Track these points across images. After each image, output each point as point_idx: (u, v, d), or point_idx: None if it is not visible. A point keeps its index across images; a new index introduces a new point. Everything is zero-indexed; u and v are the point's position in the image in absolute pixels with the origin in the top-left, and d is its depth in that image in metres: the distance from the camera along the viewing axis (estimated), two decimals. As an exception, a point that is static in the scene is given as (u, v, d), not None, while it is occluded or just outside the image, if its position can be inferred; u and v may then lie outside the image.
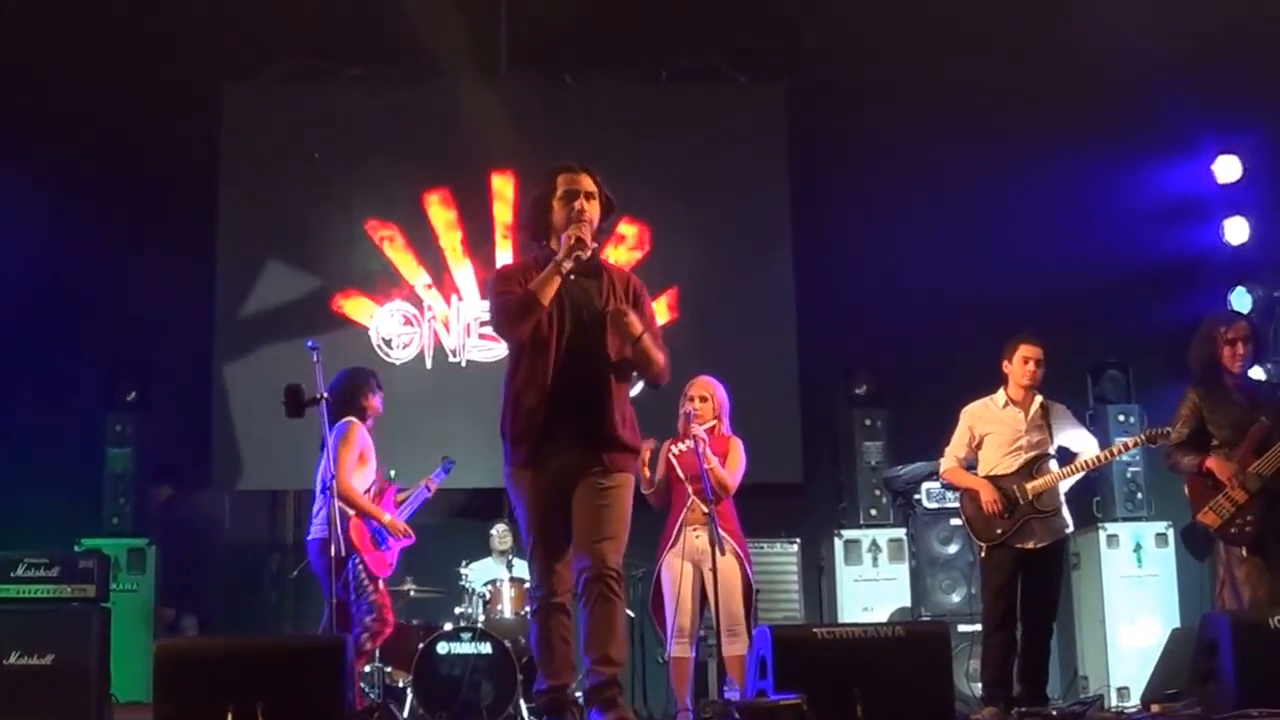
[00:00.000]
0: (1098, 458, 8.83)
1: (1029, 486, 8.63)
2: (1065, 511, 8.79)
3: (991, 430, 8.91)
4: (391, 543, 9.14)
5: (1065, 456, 8.94)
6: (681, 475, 8.93)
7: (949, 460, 9.10)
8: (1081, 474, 8.86)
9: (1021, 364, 8.81)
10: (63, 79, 11.72)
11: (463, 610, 10.43)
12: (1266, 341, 11.31)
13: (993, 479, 8.77)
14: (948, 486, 10.45)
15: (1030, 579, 8.68)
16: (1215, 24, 11.13)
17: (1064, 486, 8.78)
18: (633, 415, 6.70)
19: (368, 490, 9.03)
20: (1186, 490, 8.75)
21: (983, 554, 8.96)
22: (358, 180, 12.82)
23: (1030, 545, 8.62)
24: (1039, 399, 8.84)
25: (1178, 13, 11.27)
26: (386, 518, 9.09)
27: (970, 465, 8.98)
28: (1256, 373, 10.75)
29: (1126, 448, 9.11)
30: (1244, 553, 8.37)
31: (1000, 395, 8.93)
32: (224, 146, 12.68)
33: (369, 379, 9.28)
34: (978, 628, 10.42)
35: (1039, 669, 8.63)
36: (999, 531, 8.69)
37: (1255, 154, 11.97)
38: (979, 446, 8.96)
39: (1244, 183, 12.09)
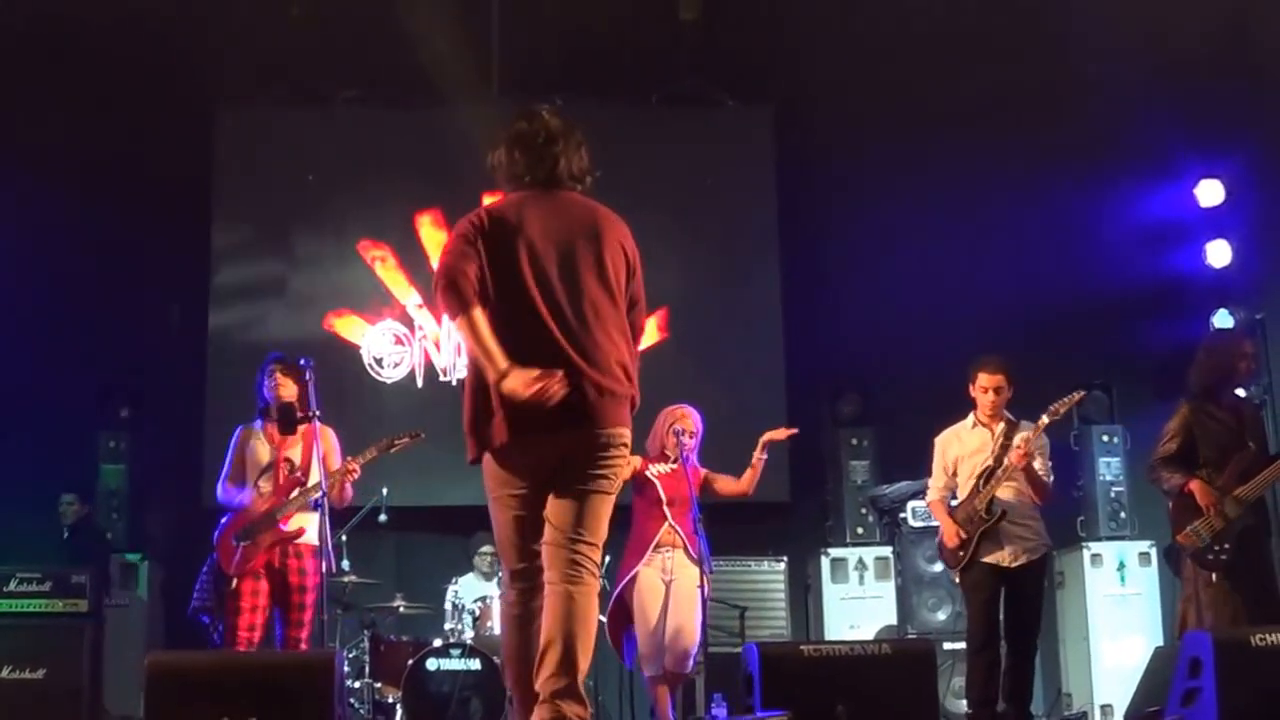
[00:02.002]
0: (1022, 441, 8.51)
1: (975, 502, 8.62)
2: (1040, 528, 8.69)
3: (961, 453, 8.89)
4: (258, 538, 8.53)
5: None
6: (662, 496, 8.92)
7: (932, 493, 9.10)
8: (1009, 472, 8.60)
9: (982, 393, 8.77)
10: (62, 101, 11.74)
11: (452, 626, 10.41)
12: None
13: (960, 505, 8.79)
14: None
15: (1011, 597, 8.65)
16: (1198, 51, 11.16)
17: (1006, 495, 8.62)
18: None
19: (255, 484, 8.70)
20: (1170, 509, 8.74)
21: (956, 578, 8.97)
22: (351, 201, 12.83)
23: (1005, 563, 8.59)
24: (1007, 418, 8.81)
25: (1161, 40, 11.31)
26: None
27: (954, 492, 8.98)
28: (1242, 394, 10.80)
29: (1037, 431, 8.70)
30: (1214, 578, 8.40)
31: (970, 418, 8.92)
32: (218, 168, 12.72)
33: (262, 370, 8.89)
34: (963, 645, 10.40)
35: (1022, 687, 8.57)
36: (961, 554, 8.69)
37: (1237, 178, 11.99)
38: (957, 473, 8.95)
39: (1226, 206, 12.12)
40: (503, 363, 5.44)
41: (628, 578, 8.93)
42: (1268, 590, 8.37)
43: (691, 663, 8.77)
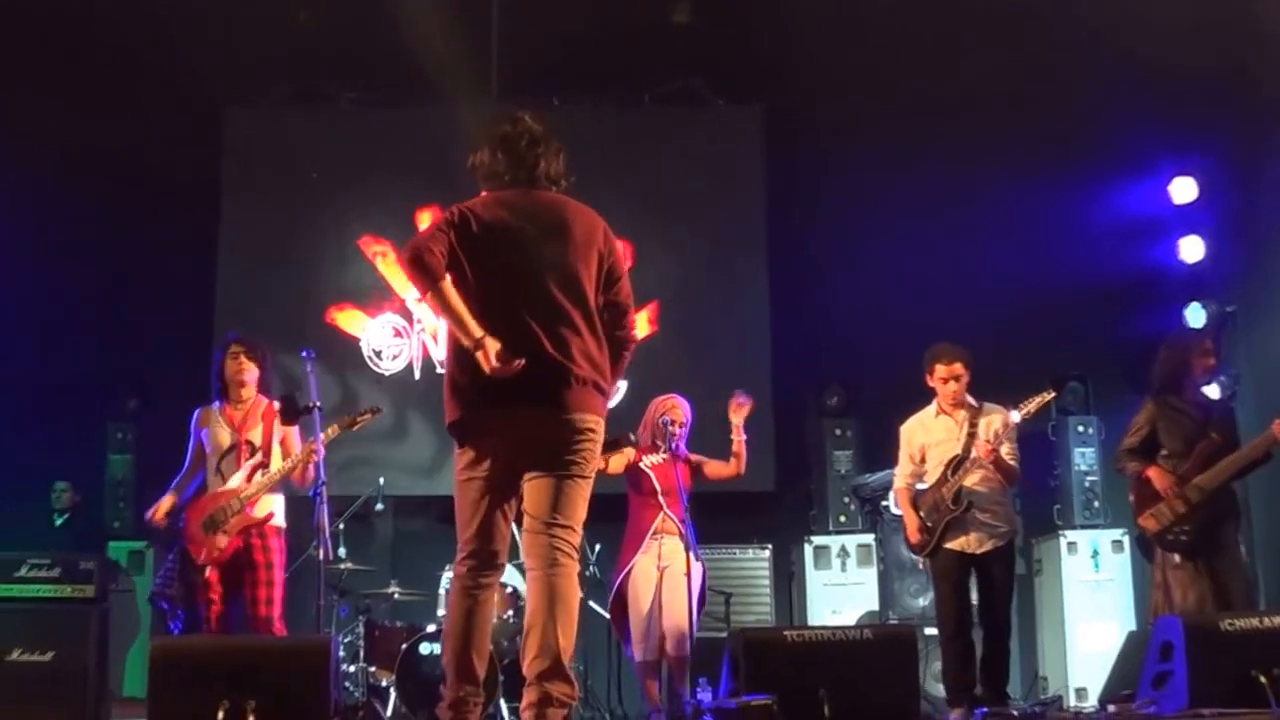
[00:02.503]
0: (986, 443, 8.55)
1: (943, 490, 8.60)
2: (1007, 514, 8.70)
3: (927, 441, 8.89)
4: (228, 525, 8.31)
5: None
6: (657, 487, 8.91)
7: (899, 480, 9.13)
8: (976, 465, 8.60)
9: (941, 383, 8.78)
10: (75, 103, 11.71)
11: (445, 613, 10.38)
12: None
13: (922, 495, 8.79)
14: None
15: (980, 582, 8.68)
16: (1174, 56, 11.13)
17: (973, 483, 8.62)
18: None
19: (218, 467, 8.52)
20: (1131, 495, 8.86)
21: (921, 566, 8.99)
22: (352, 198, 12.82)
23: (971, 549, 8.57)
24: (969, 404, 8.79)
25: (1139, 45, 11.28)
26: (166, 505, 8.62)
27: (921, 478, 8.97)
28: (1212, 390, 10.78)
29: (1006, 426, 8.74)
30: (1177, 559, 8.50)
31: (933, 407, 8.91)
32: (225, 166, 12.76)
33: (223, 350, 8.70)
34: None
35: (996, 670, 8.58)
36: (926, 539, 8.70)
37: (1210, 176, 11.99)
38: (924, 459, 8.94)
39: (1199, 203, 12.11)
40: (477, 331, 5.56)
41: (626, 569, 8.92)
42: (1232, 574, 8.41)
43: (689, 645, 8.74)
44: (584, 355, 5.78)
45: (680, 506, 8.75)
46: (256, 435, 8.57)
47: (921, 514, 8.77)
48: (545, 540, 5.78)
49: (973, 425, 8.67)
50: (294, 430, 8.63)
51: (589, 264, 5.96)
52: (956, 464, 8.60)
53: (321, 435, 8.25)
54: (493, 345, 5.52)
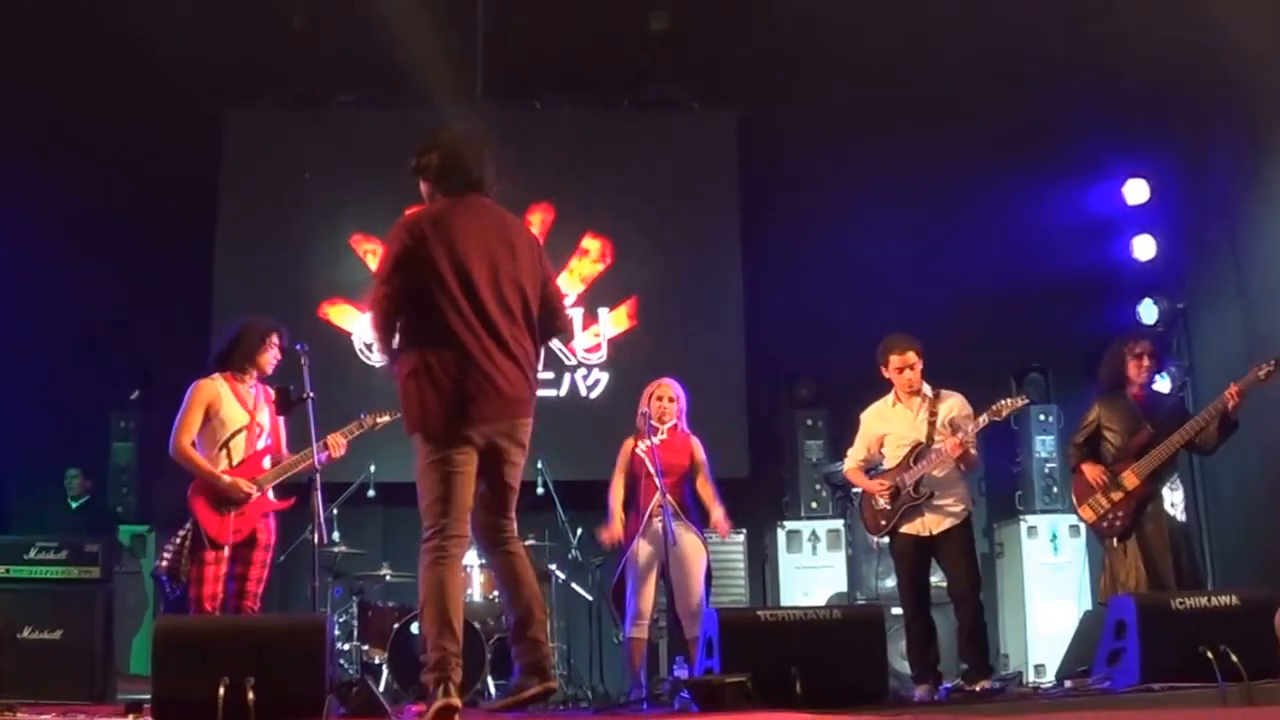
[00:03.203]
0: (957, 442, 8.52)
1: (905, 476, 8.64)
2: (962, 496, 8.65)
3: (886, 430, 8.89)
4: (247, 508, 7.98)
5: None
6: (651, 469, 8.94)
7: (849, 461, 9.11)
8: (941, 459, 8.59)
9: (896, 373, 8.78)
10: (78, 107, 11.70)
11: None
12: (1168, 354, 11.49)
13: (882, 473, 8.82)
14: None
15: (942, 561, 8.66)
16: (1128, 64, 11.21)
17: (945, 472, 8.63)
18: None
19: (225, 444, 8.05)
20: (1072, 489, 9.07)
21: (876, 547, 9.02)
22: (344, 197, 12.87)
23: (926, 532, 8.60)
24: (927, 392, 8.82)
25: (1095, 52, 11.35)
26: (225, 480, 7.92)
27: (876, 465, 8.99)
28: (1162, 385, 10.89)
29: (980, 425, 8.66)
30: (1114, 543, 8.62)
31: (890, 396, 8.93)
32: (222, 167, 12.75)
33: (265, 336, 8.27)
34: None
35: (973, 643, 8.47)
36: (883, 523, 8.73)
37: (1162, 178, 12.05)
38: (883, 446, 8.96)
39: (1151, 204, 12.18)
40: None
41: (629, 550, 8.95)
42: (1161, 554, 8.52)
43: (699, 623, 8.76)
44: (529, 364, 6.28)
45: (684, 487, 8.85)
46: (265, 418, 8.22)
47: (881, 499, 8.80)
48: (510, 528, 6.42)
49: (931, 413, 8.71)
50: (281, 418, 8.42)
51: (534, 269, 6.32)
52: (920, 452, 8.64)
53: (345, 434, 8.35)
54: None
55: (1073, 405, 10.95)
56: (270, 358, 8.29)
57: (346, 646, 10.14)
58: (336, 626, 9.87)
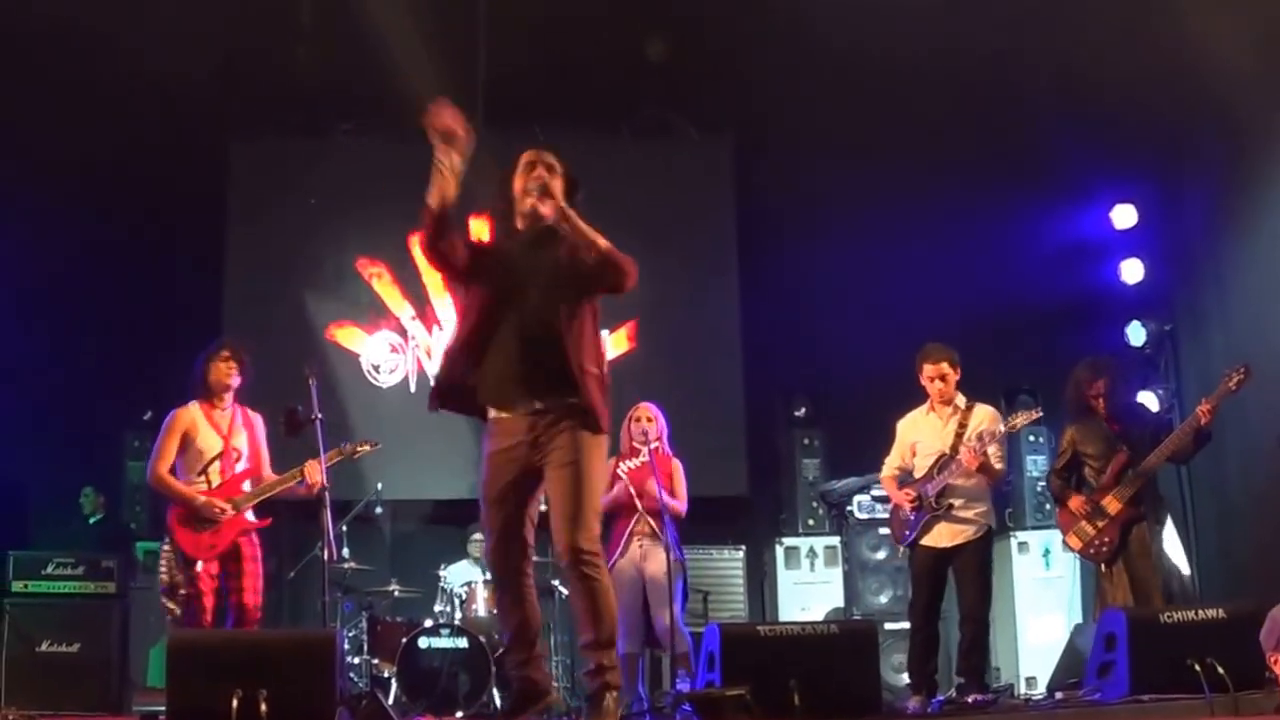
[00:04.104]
0: (971, 451, 8.58)
1: (928, 487, 8.68)
2: (982, 511, 8.68)
3: (918, 438, 8.93)
4: (223, 526, 8.18)
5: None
6: (632, 490, 8.98)
7: (885, 469, 9.15)
8: (961, 470, 8.62)
9: (929, 382, 8.84)
10: (92, 137, 11.75)
11: (441, 609, 10.47)
12: (1149, 375, 11.56)
13: (910, 483, 8.85)
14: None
15: (955, 578, 8.70)
16: (1116, 91, 11.27)
17: (957, 479, 8.63)
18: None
19: (204, 469, 8.29)
20: (1058, 518, 9.23)
21: (901, 553, 9.09)
22: (350, 223, 12.91)
23: (943, 544, 8.64)
24: (961, 403, 8.86)
25: (1083, 80, 11.42)
26: (199, 499, 8.15)
27: (909, 472, 9.01)
28: (1150, 399, 10.95)
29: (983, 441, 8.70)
30: (1103, 568, 8.77)
31: (926, 404, 8.97)
32: (231, 193, 12.79)
33: (208, 356, 8.47)
34: (903, 625, 10.54)
35: (972, 660, 8.54)
36: (906, 533, 8.78)
37: (1149, 203, 12.09)
38: (915, 454, 8.98)
39: (1139, 228, 12.21)
40: None
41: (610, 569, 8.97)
42: (1147, 572, 8.63)
43: (685, 642, 8.78)
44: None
45: (659, 508, 8.83)
46: (242, 442, 8.43)
47: (906, 509, 8.83)
48: None
49: (961, 424, 8.73)
50: (262, 439, 8.55)
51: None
52: (943, 462, 8.67)
53: (325, 459, 8.21)
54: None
55: (1061, 425, 10.99)
56: (223, 371, 8.42)
57: (356, 660, 10.19)
58: (346, 640, 9.91)
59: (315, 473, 8.19)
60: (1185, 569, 8.98)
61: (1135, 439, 8.78)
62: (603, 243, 6.15)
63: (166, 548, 8.26)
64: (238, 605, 8.25)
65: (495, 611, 10.14)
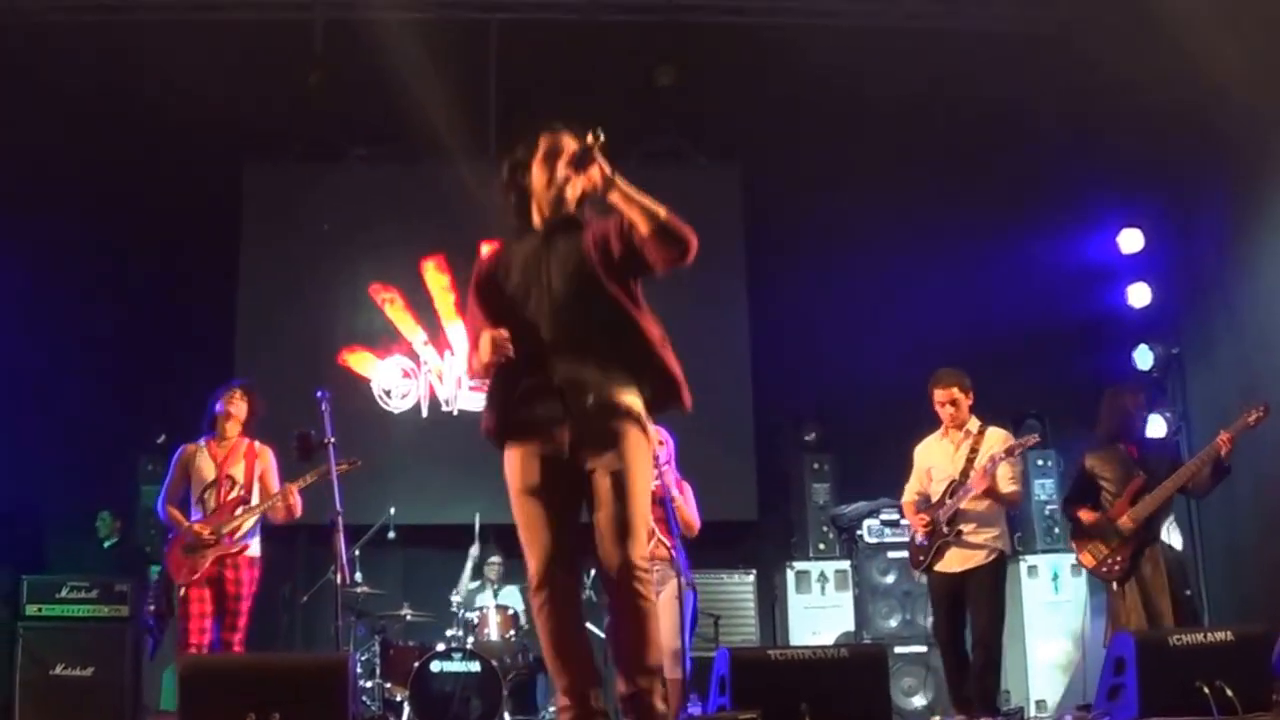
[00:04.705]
0: (981, 472, 8.61)
1: (940, 513, 8.70)
2: (993, 536, 8.67)
3: (930, 463, 8.96)
4: (209, 552, 8.55)
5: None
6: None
7: (905, 495, 9.19)
8: (970, 495, 8.64)
9: (939, 407, 8.88)
10: (109, 163, 11.85)
11: (454, 633, 10.47)
12: (1158, 399, 11.57)
13: (927, 508, 8.86)
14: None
15: (967, 601, 8.72)
16: (1121, 116, 11.29)
17: (970, 505, 8.65)
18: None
19: (200, 498, 8.79)
20: (1071, 537, 9.15)
21: (918, 576, 9.11)
22: (362, 248, 12.94)
23: (954, 570, 8.66)
24: (974, 428, 8.87)
25: (1089, 109, 11.45)
26: (184, 525, 8.68)
27: (928, 498, 9.01)
28: (1158, 427, 10.94)
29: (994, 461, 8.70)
30: (1114, 587, 8.70)
31: (941, 429, 8.99)
32: (244, 218, 12.84)
33: (217, 396, 9.04)
34: (913, 649, 10.58)
35: (980, 683, 8.53)
36: (921, 559, 8.80)
37: (1155, 228, 12.08)
38: (931, 478, 9.01)
39: (1146, 253, 12.20)
40: None
41: None
42: (1160, 594, 8.58)
43: (682, 668, 8.75)
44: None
45: (670, 532, 8.80)
46: (239, 471, 8.82)
47: (919, 535, 8.87)
48: None
49: (973, 449, 8.74)
50: (272, 469, 8.91)
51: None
52: (954, 487, 8.69)
53: (300, 482, 8.67)
54: None
55: (1070, 450, 10.97)
56: (233, 410, 8.93)
57: (369, 684, 10.19)
58: (359, 664, 9.93)
59: (291, 495, 8.66)
60: (1178, 546, 8.94)
61: (1152, 465, 8.79)
62: (660, 206, 5.54)
63: (157, 576, 8.80)
64: (213, 641, 8.55)
65: (506, 636, 10.16)
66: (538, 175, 5.55)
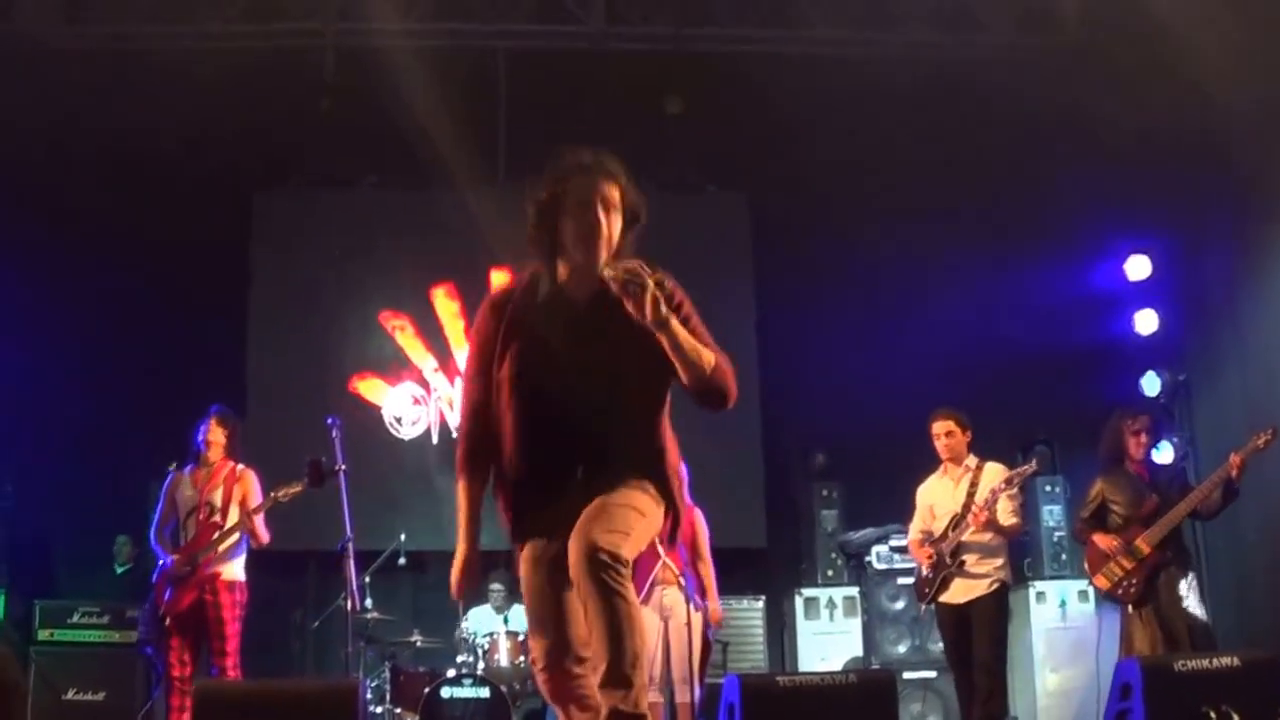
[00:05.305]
0: (980, 507, 8.77)
1: (943, 546, 8.78)
2: (995, 566, 8.83)
3: (934, 501, 9.10)
4: (188, 579, 8.77)
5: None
6: (656, 539, 8.97)
7: (910, 534, 9.40)
8: (972, 529, 8.81)
9: (936, 440, 9.05)
10: (118, 193, 11.89)
11: (464, 659, 10.50)
12: (1165, 425, 11.56)
13: (931, 542, 8.95)
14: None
15: (972, 629, 8.80)
16: (1128, 143, 11.33)
17: (971, 537, 8.81)
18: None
19: (183, 524, 9.01)
20: (1085, 559, 9.16)
21: (922, 608, 9.20)
22: (373, 275, 12.97)
23: (958, 600, 8.75)
24: (972, 463, 8.96)
25: (1096, 136, 11.48)
26: (166, 558, 8.95)
27: (933, 535, 9.13)
28: (1165, 454, 10.96)
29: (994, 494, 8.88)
30: (1130, 609, 8.75)
31: (941, 467, 9.10)
32: (255, 245, 12.88)
33: (197, 425, 9.26)
34: (922, 674, 10.59)
35: (989, 708, 8.69)
36: (926, 591, 8.91)
37: (1162, 254, 12.11)
38: (934, 516, 9.12)
39: (1153, 279, 12.22)
40: None
41: None
42: (1177, 617, 8.61)
43: (691, 692, 8.79)
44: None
45: (679, 557, 8.83)
46: (217, 496, 8.98)
47: (924, 568, 8.98)
48: None
49: (973, 484, 8.88)
50: (253, 492, 9.03)
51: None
52: (956, 522, 8.81)
53: (259, 508, 8.91)
54: None
55: (1078, 476, 11.00)
56: (211, 437, 9.15)
57: (379, 710, 10.21)
58: (369, 690, 9.94)
59: (250, 520, 8.88)
60: (1203, 616, 8.93)
61: (1164, 488, 8.84)
62: (710, 357, 5.00)
63: (146, 606, 8.90)
64: (212, 666, 8.71)
65: (516, 663, 10.18)
66: (570, 224, 4.95)
